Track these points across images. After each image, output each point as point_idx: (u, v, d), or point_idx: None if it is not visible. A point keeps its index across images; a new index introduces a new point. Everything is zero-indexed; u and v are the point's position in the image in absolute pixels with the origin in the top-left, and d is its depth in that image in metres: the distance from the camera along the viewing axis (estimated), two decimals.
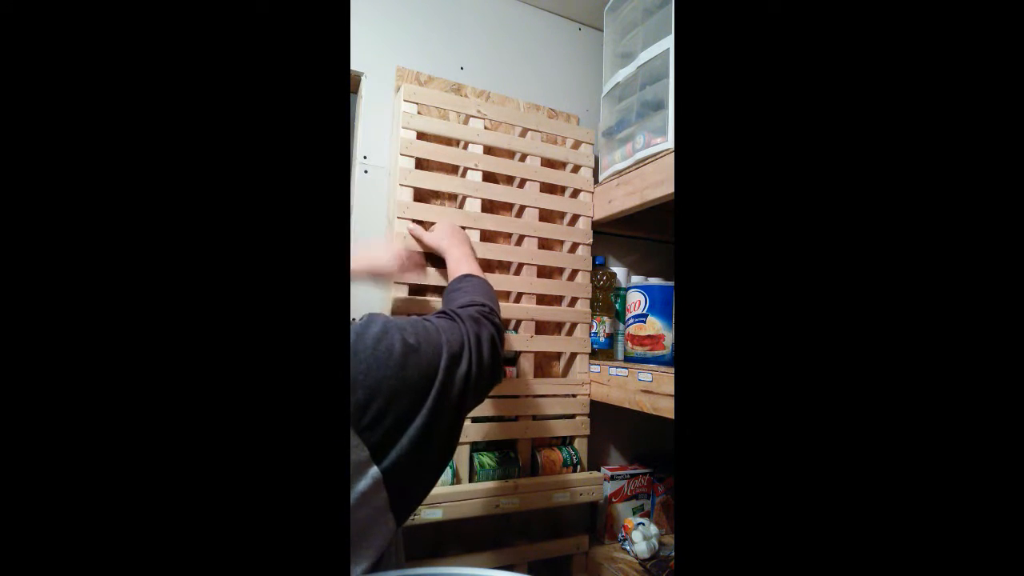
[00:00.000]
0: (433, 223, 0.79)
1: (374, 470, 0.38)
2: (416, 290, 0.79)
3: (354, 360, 0.39)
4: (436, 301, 0.79)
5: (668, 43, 0.76)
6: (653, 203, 0.79)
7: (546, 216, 0.91)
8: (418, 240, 0.77)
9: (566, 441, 0.90)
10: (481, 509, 0.76)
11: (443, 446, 0.46)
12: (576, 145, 0.94)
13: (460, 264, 0.70)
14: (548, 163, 0.91)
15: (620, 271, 1.01)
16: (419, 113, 0.81)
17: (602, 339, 0.93)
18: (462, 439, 0.78)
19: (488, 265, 0.86)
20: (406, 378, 0.41)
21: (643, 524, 0.89)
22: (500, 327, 0.57)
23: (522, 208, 0.88)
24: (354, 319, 0.51)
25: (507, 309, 0.85)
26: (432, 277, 0.79)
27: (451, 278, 0.68)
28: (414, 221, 0.79)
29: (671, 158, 0.74)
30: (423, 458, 0.42)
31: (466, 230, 0.82)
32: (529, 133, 0.90)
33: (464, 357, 0.48)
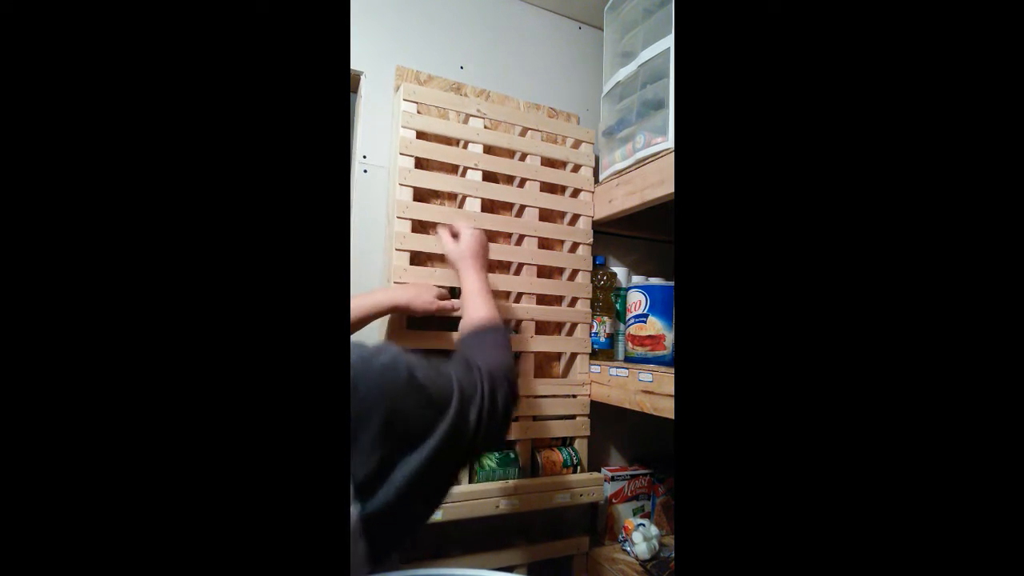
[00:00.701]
0: (447, 228, 0.75)
1: (353, 509, 0.36)
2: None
3: (354, 388, 0.37)
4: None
5: (668, 42, 0.76)
6: (653, 203, 0.79)
7: (546, 216, 0.91)
8: (442, 245, 0.74)
9: (566, 442, 0.90)
10: (481, 510, 0.76)
11: (430, 499, 0.43)
12: (576, 144, 0.94)
13: (476, 299, 0.65)
14: (548, 162, 0.91)
15: (620, 271, 1.01)
16: (419, 112, 0.81)
17: (602, 339, 0.93)
18: None
19: (488, 265, 0.86)
20: (406, 418, 0.39)
21: (643, 525, 0.89)
22: (517, 394, 0.54)
23: (522, 208, 0.88)
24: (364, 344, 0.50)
25: (507, 309, 0.85)
26: (440, 277, 0.79)
27: (465, 307, 0.65)
28: (428, 224, 0.78)
29: (671, 158, 0.74)
30: (407, 506, 0.39)
31: None
32: (529, 132, 0.90)
33: (473, 414, 0.45)
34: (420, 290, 0.72)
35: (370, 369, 0.39)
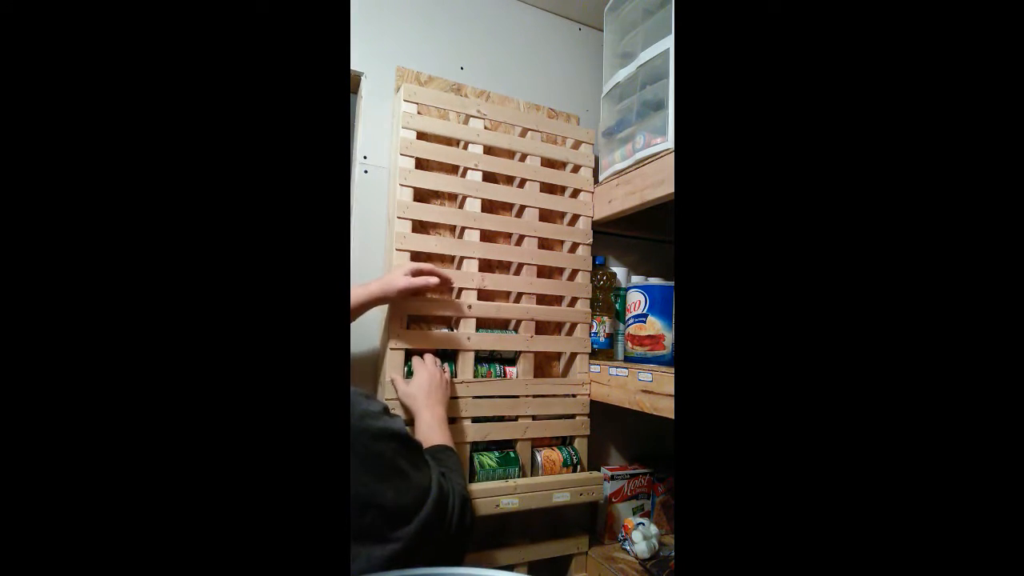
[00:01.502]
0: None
1: None
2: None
3: None
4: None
5: (668, 43, 0.76)
6: (653, 203, 0.79)
7: (546, 216, 0.91)
8: (395, 387, 0.75)
9: (566, 441, 0.90)
10: (481, 509, 0.76)
11: None
12: (576, 145, 0.94)
13: (433, 432, 0.69)
14: (548, 163, 0.91)
15: (620, 271, 1.01)
16: (419, 113, 0.81)
17: (602, 339, 0.93)
18: (462, 439, 0.78)
19: (488, 265, 0.86)
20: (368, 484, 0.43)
21: (643, 524, 0.89)
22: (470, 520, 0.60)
23: (522, 208, 0.88)
24: (363, 393, 0.53)
25: (507, 309, 0.85)
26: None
27: (422, 437, 0.69)
28: (428, 225, 0.79)
29: (671, 158, 0.74)
30: None
31: (466, 230, 0.82)
32: (529, 133, 0.90)
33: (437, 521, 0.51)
34: (391, 275, 0.72)
35: (353, 411, 0.43)
